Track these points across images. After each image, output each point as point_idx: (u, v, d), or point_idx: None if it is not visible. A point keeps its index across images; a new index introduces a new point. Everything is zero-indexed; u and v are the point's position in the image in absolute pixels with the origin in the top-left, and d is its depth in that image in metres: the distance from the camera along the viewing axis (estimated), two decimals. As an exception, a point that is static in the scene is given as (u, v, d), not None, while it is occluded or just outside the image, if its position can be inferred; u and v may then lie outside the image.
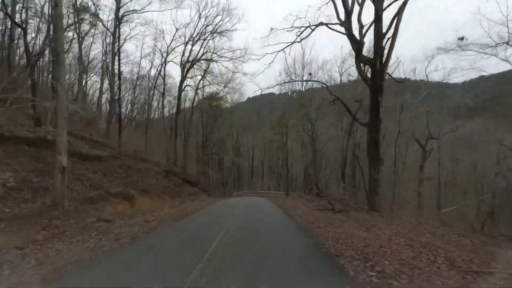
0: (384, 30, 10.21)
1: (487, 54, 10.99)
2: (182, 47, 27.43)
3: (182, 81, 27.96)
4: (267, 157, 47.20)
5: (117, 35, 20.88)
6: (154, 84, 28.16)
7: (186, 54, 27.49)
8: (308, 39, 35.45)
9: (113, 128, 22.88)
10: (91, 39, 26.50)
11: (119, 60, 17.64)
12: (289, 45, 12.32)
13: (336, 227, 7.18)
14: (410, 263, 3.99)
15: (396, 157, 20.34)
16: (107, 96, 27.37)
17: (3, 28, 17.98)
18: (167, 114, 35.97)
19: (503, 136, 24.80)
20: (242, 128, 44.98)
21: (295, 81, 23.94)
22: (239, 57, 27.72)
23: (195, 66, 29.15)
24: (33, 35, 19.64)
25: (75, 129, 17.52)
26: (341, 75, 27.68)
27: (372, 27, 10.64)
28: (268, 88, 16.06)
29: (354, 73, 27.38)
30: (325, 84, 16.60)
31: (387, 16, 10.49)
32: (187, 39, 26.89)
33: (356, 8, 11.10)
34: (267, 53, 12.55)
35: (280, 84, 15.88)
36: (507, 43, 10.23)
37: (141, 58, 29.65)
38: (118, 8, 20.37)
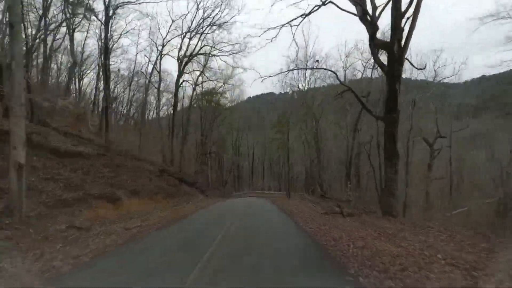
0: (402, 9, 8.92)
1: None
2: (179, 40, 26.19)
3: (179, 76, 26.69)
4: (268, 156, 46.21)
5: (110, 26, 19.70)
6: (149, 78, 26.88)
7: (184, 48, 26.23)
8: (312, 33, 34.17)
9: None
10: (85, 34, 25.29)
11: (105, 49, 16.35)
12: (295, 19, 10.88)
13: (354, 238, 5.90)
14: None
15: (408, 155, 19.05)
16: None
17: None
18: (165, 114, 34.85)
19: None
20: (242, 127, 43.95)
21: (300, 68, 22.34)
22: (239, 52, 26.44)
23: (193, 61, 27.95)
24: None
25: (62, 125, 16.36)
26: (345, 70, 26.43)
27: (388, 7, 9.37)
28: (270, 76, 14.32)
29: (359, 68, 26.20)
30: (334, 72, 15.24)
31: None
32: (184, 32, 25.63)
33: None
34: (269, 28, 11.06)
35: (285, 72, 14.44)
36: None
37: (137, 53, 28.43)
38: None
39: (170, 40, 26.08)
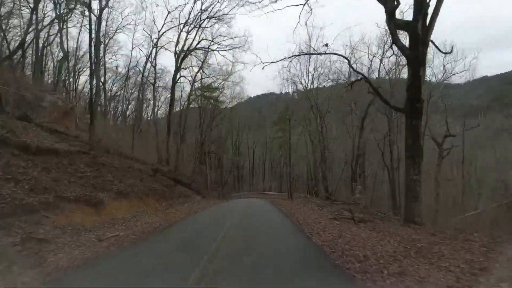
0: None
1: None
2: (176, 33, 24.92)
3: (176, 72, 25.36)
4: (269, 156, 44.90)
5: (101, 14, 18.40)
6: (143, 73, 25.58)
7: (181, 42, 24.92)
8: (316, 27, 32.67)
9: (97, 122, 20.38)
10: (79, 29, 24.02)
11: (90, 38, 15.11)
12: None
13: (381, 257, 4.58)
14: None
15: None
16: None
17: None
18: (164, 113, 33.52)
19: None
20: (242, 127, 42.71)
21: (305, 54, 20.41)
22: (239, 46, 25.16)
23: (192, 56, 26.67)
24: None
25: (47, 120, 15.11)
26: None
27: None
28: (273, 62, 12.22)
29: (366, 63, 24.87)
30: (346, 57, 13.78)
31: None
32: (181, 24, 24.34)
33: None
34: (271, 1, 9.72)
35: (288, 58, 12.69)
36: None
37: (133, 48, 27.09)
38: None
39: (165, 32, 24.82)
